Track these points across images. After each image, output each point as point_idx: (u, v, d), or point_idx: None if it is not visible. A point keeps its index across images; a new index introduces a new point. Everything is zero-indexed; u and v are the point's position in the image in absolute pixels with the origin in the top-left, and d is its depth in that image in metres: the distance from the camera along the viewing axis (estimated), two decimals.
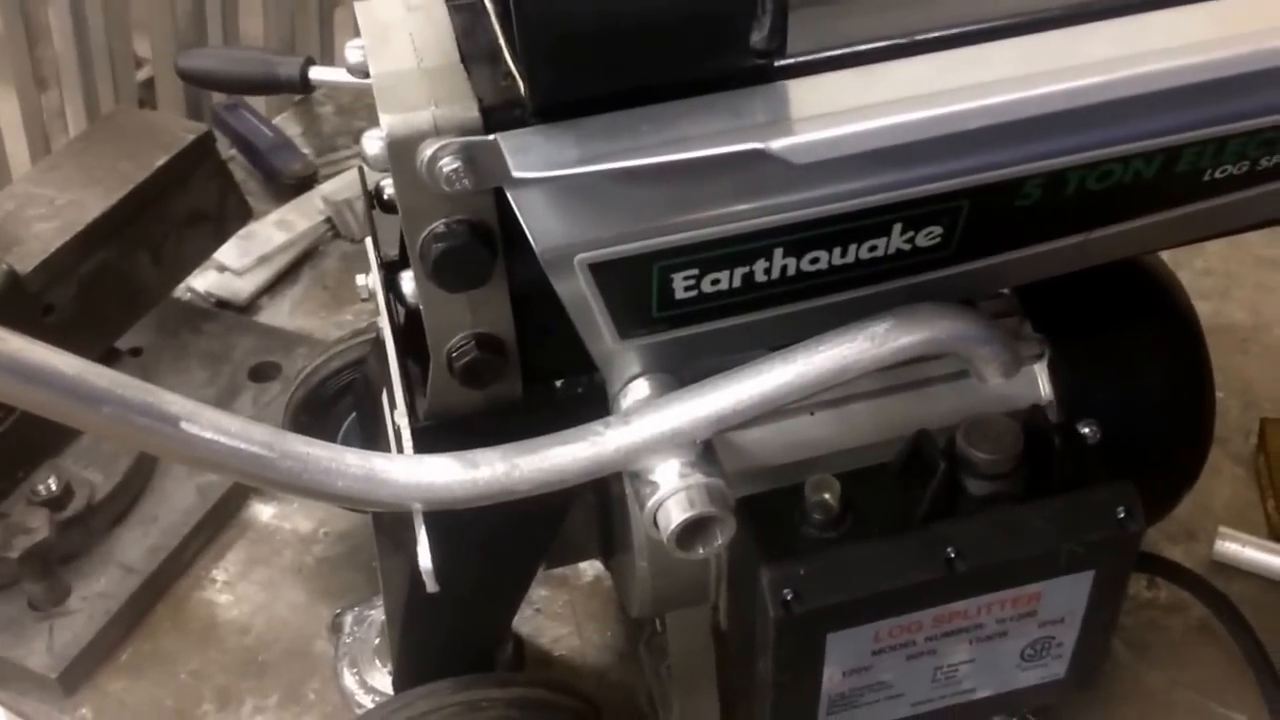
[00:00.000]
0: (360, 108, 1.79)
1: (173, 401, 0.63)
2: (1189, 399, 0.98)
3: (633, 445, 0.74)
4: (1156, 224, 0.80)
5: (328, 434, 1.13)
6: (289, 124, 1.78)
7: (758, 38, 0.66)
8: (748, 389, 0.74)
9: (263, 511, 1.29)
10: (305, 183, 1.69)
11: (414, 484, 0.71)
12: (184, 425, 0.63)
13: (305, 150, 1.73)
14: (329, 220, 1.64)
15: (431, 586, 0.75)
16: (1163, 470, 0.98)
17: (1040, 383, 0.91)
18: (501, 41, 0.70)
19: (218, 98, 1.83)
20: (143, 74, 1.83)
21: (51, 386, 0.60)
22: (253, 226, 1.53)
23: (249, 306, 1.54)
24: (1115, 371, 0.94)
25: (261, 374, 1.39)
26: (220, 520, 1.26)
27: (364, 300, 0.89)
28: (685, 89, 0.67)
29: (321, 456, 0.69)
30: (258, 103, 1.83)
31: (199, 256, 1.39)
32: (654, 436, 0.74)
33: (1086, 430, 0.87)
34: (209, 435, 0.64)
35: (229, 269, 1.55)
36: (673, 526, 0.73)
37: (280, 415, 1.19)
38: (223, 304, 1.53)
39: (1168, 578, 1.06)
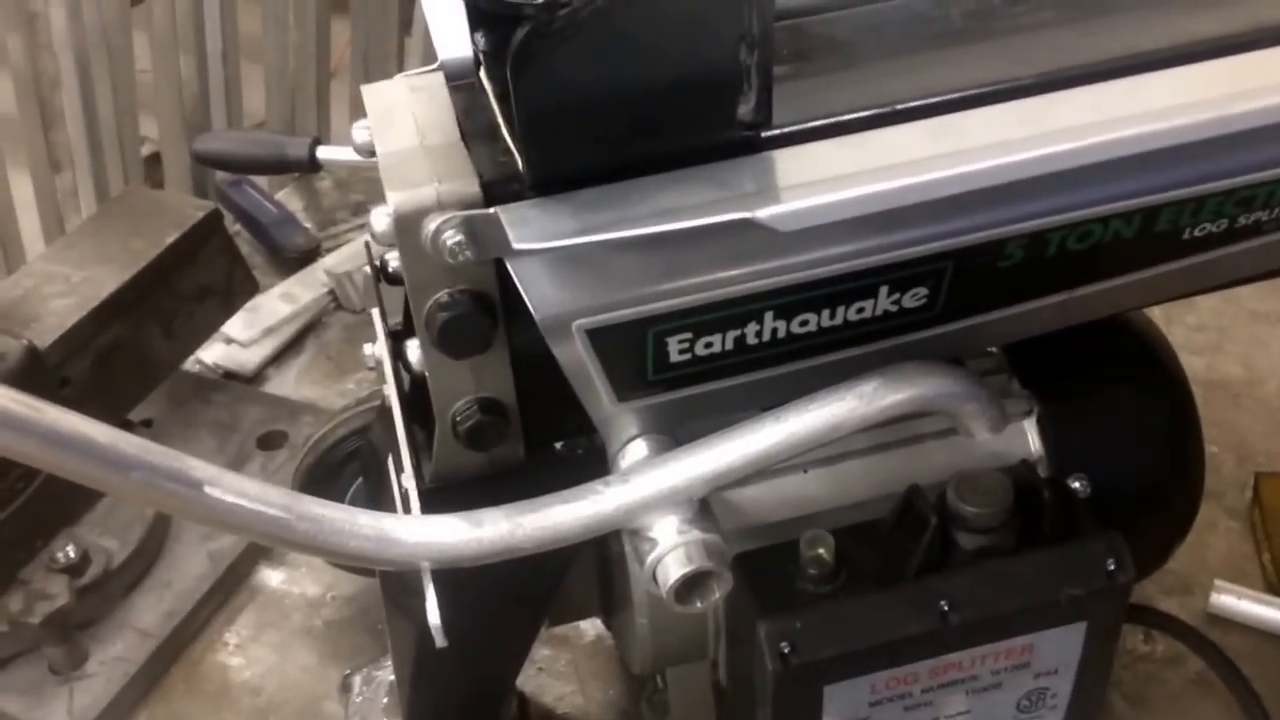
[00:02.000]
0: (357, 182, 1.83)
1: (197, 467, 0.66)
2: (1177, 453, 1.00)
3: (632, 503, 0.76)
4: (1138, 282, 0.82)
5: (336, 498, 1.15)
6: (290, 199, 1.82)
7: (744, 110, 0.69)
8: (742, 447, 0.77)
9: (272, 576, 1.31)
10: (308, 256, 1.72)
11: (422, 543, 0.74)
12: (208, 489, 0.65)
13: (307, 225, 1.77)
14: (331, 292, 1.67)
15: (440, 642, 0.77)
16: (1154, 524, 1.00)
17: (1030, 438, 0.93)
18: (500, 120, 0.73)
19: (221, 175, 1.87)
20: (145, 149, 1.88)
21: (86, 454, 0.62)
22: (258, 299, 1.57)
23: (255, 377, 1.57)
24: (1103, 427, 0.96)
25: (269, 442, 1.42)
26: (231, 585, 1.28)
27: (370, 369, 0.92)
28: (676, 160, 0.70)
29: (336, 518, 0.71)
30: (260, 179, 1.87)
31: (208, 329, 1.42)
32: (652, 495, 0.76)
33: (1076, 485, 0.89)
34: (231, 499, 0.67)
35: (235, 341, 1.58)
36: (671, 581, 0.75)
37: (288, 481, 1.21)
38: (230, 375, 1.56)
39: (1163, 630, 1.08)
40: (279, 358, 1.60)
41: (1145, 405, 0.99)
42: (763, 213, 0.65)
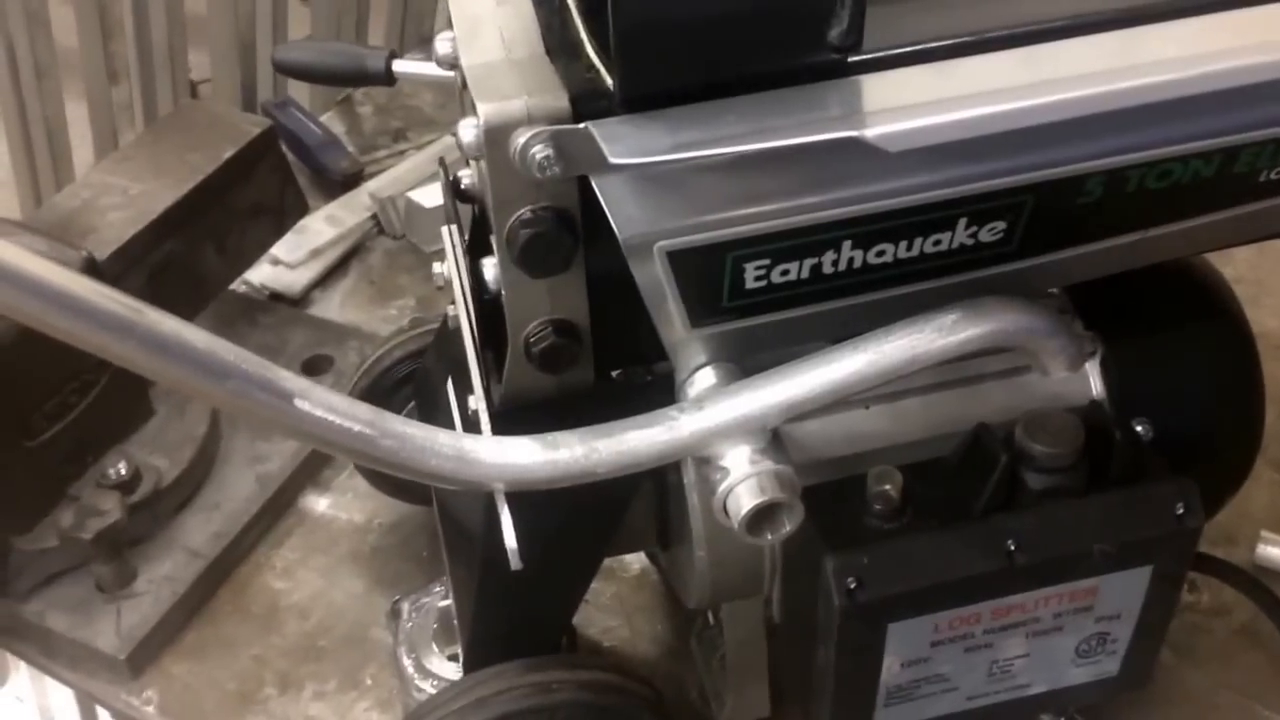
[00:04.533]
0: (396, 108, 1.82)
1: (287, 378, 0.65)
2: (1238, 399, 0.99)
3: (706, 430, 0.76)
4: (1212, 223, 0.82)
5: None
6: (333, 122, 1.81)
7: (835, 33, 0.68)
8: (819, 377, 0.76)
9: (318, 502, 1.31)
10: (351, 180, 1.72)
11: (500, 464, 0.73)
12: (297, 402, 0.65)
13: (350, 148, 1.76)
14: (374, 217, 1.67)
15: (516, 565, 0.77)
16: (1210, 470, 1.00)
17: (1092, 381, 0.93)
18: (584, 35, 0.72)
19: (266, 96, 1.86)
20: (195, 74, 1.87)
21: (183, 358, 0.62)
22: (304, 221, 1.56)
23: (301, 299, 1.56)
24: (1165, 371, 0.95)
25: (314, 367, 1.41)
26: (278, 509, 1.28)
27: (439, 288, 0.91)
28: (764, 82, 0.69)
29: (418, 436, 0.70)
30: (303, 101, 1.86)
31: (259, 248, 1.41)
32: (726, 422, 0.76)
33: (1140, 428, 0.88)
34: (319, 412, 0.66)
35: (283, 262, 1.57)
36: (744, 512, 0.75)
37: None
38: (276, 296, 1.55)
39: (1221, 578, 1.07)
40: (324, 280, 1.59)
41: (1208, 351, 0.98)
42: (871, 131, 0.64)
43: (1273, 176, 0.79)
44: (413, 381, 1.15)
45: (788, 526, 0.77)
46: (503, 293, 0.77)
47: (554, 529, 0.83)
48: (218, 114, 1.43)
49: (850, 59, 0.70)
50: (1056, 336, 0.79)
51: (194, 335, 0.62)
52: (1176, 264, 0.91)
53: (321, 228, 1.63)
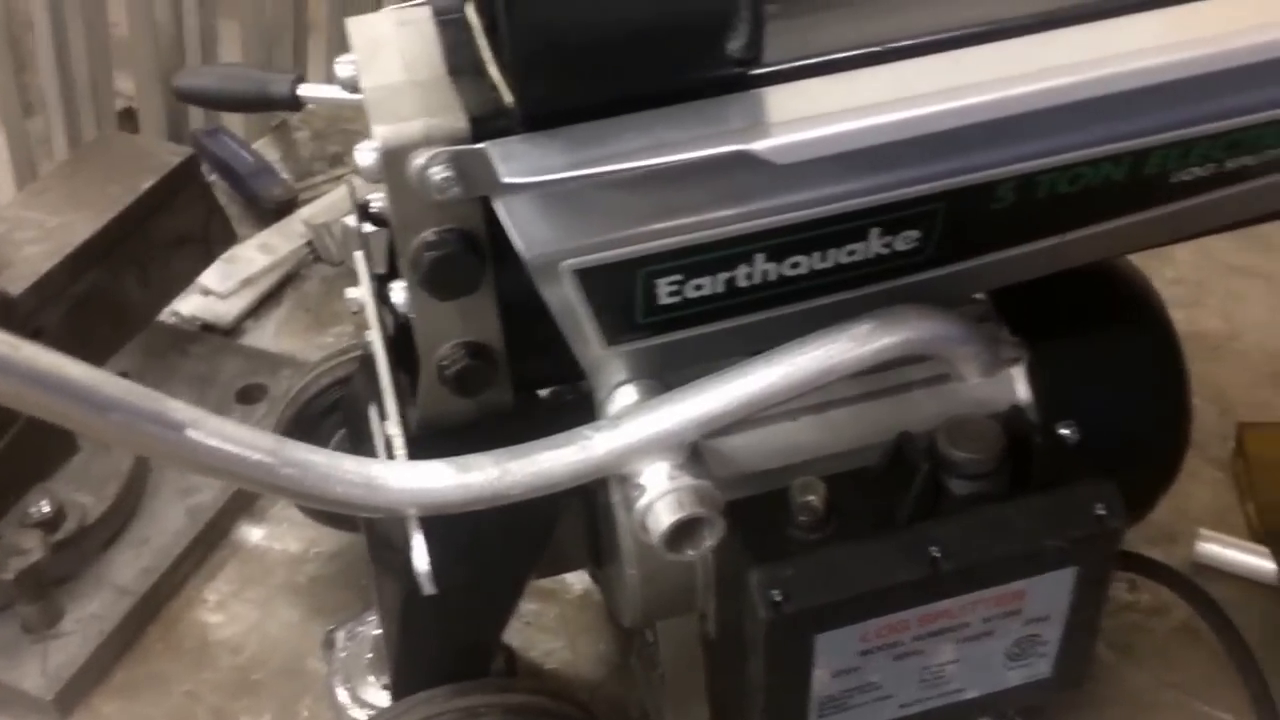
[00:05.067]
0: (334, 133, 1.81)
1: (178, 409, 0.64)
2: (1164, 398, 1.00)
3: (621, 448, 0.75)
4: (1128, 226, 0.82)
5: None
6: (267, 149, 1.80)
7: (735, 46, 0.68)
8: (733, 391, 0.76)
9: (253, 533, 1.30)
10: (286, 206, 1.70)
11: (409, 489, 0.72)
12: (189, 432, 0.64)
13: (284, 175, 1.75)
14: (309, 244, 1.65)
15: (428, 589, 0.76)
16: (1141, 471, 1.00)
17: (1018, 386, 0.93)
18: (487, 54, 0.72)
19: (197, 124, 1.84)
20: (119, 104, 1.85)
21: (63, 392, 0.61)
22: (235, 250, 1.54)
23: (234, 329, 1.55)
24: (1091, 373, 0.96)
25: (248, 396, 1.40)
26: (211, 541, 1.27)
27: (354, 313, 0.90)
28: (665, 97, 0.69)
29: (321, 463, 0.70)
30: (237, 128, 1.84)
31: (185, 279, 1.40)
32: (642, 439, 0.75)
33: (1066, 431, 0.88)
34: (213, 442, 0.65)
35: (213, 292, 1.56)
36: (663, 529, 0.74)
37: None
38: (208, 327, 1.54)
39: (1153, 578, 1.07)
40: (257, 310, 1.58)
41: (1133, 353, 0.98)
42: (758, 145, 0.64)
43: (1184, 178, 0.80)
44: (341, 408, 1.13)
45: (709, 541, 0.76)
46: (412, 317, 0.76)
47: (476, 551, 0.82)
48: (138, 144, 1.42)
49: (752, 72, 0.70)
50: (969, 343, 0.79)
51: (74, 369, 0.60)
52: (1100, 266, 0.92)
53: (254, 256, 1.61)
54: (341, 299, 0.93)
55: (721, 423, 0.76)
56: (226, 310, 1.55)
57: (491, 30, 0.71)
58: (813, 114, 0.68)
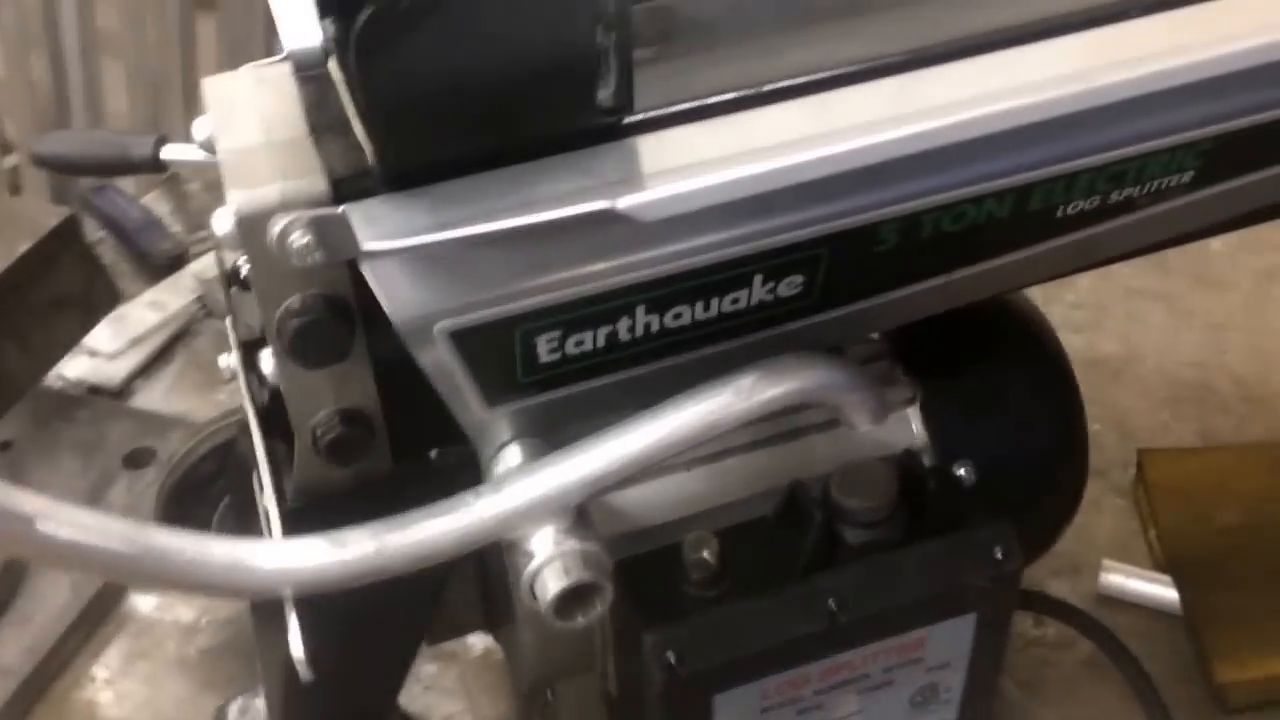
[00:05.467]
0: None
1: (26, 500, 0.60)
2: (1062, 434, 0.99)
3: (505, 514, 0.72)
4: (1016, 262, 0.81)
5: (202, 520, 1.11)
6: (157, 203, 1.76)
7: (604, 95, 0.66)
8: (618, 450, 0.73)
9: (142, 603, 1.25)
10: (176, 262, 1.67)
11: (281, 570, 0.69)
12: (39, 525, 0.60)
13: (175, 229, 1.71)
14: (201, 299, 1.61)
15: (305, 675, 0.73)
16: (1041, 507, 0.99)
17: (913, 426, 0.92)
18: (350, 110, 0.69)
19: (85, 180, 1.79)
20: (10, 160, 1.80)
21: None
22: (124, 309, 1.51)
23: (122, 391, 1.51)
24: (986, 411, 0.95)
25: (136, 460, 1.36)
26: (98, 615, 1.22)
27: (228, 380, 0.87)
28: (534, 150, 0.67)
29: (186, 548, 0.66)
30: (126, 183, 1.80)
31: (66, 343, 1.36)
32: (526, 504, 0.73)
33: (962, 472, 0.87)
34: (66, 534, 0.61)
35: (100, 353, 1.52)
36: (550, 596, 0.72)
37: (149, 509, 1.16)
38: (95, 390, 1.49)
39: (1053, 615, 1.07)
40: (147, 369, 1.54)
41: (1028, 388, 0.98)
42: (623, 202, 0.62)
43: (1070, 212, 0.79)
44: (225, 474, 1.10)
45: (599, 608, 0.74)
46: (282, 386, 0.73)
47: (355, 630, 0.79)
48: (13, 206, 1.39)
49: (624, 120, 0.68)
50: (856, 391, 0.77)
51: None
52: (992, 302, 0.91)
53: (142, 314, 1.57)
54: (219, 358, 0.90)
55: (608, 483, 0.74)
56: (114, 371, 1.51)
57: (351, 85, 0.68)
58: (686, 163, 0.66)
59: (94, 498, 1.31)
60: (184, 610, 1.24)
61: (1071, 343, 1.00)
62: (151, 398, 1.50)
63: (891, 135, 0.68)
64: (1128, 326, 1.52)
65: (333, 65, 0.72)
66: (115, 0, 1.77)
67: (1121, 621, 1.13)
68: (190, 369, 1.54)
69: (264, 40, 1.90)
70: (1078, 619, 1.04)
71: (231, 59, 1.88)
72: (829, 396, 0.77)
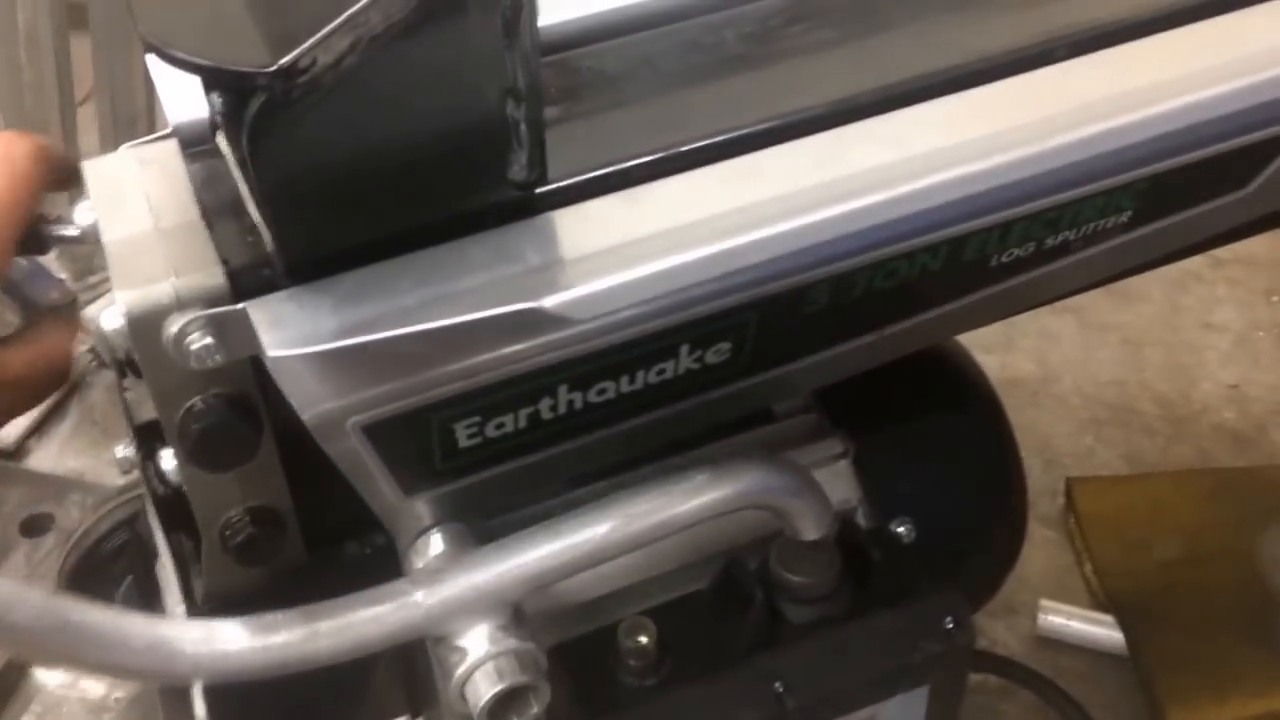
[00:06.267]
0: None
1: None
2: (999, 479, 0.97)
3: (443, 608, 0.68)
4: (950, 312, 0.78)
5: (105, 599, 1.05)
6: None
7: (517, 169, 0.62)
8: (564, 546, 0.69)
9: (49, 679, 1.19)
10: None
11: (206, 653, 0.62)
12: None
13: (62, 275, 1.63)
14: (92, 349, 1.54)
15: None
16: (982, 557, 0.97)
17: (847, 482, 0.89)
18: (244, 190, 0.64)
19: None
20: None
21: None
22: None
23: (16, 451, 1.43)
24: (921, 461, 0.93)
25: (34, 527, 1.29)
26: (1, 696, 1.15)
27: (125, 473, 0.81)
28: (446, 231, 0.63)
29: (101, 624, 0.58)
30: None
31: None
32: (464, 599, 0.68)
33: (901, 529, 0.85)
34: None
35: None
36: (483, 701, 0.68)
37: (52, 578, 1.10)
38: None
39: (995, 673, 1.05)
40: (40, 427, 1.47)
41: (963, 436, 0.96)
42: (551, 301, 0.58)
43: (1004, 260, 0.76)
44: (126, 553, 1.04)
45: (535, 708, 0.70)
46: (185, 488, 0.68)
47: (271, 714, 0.74)
48: None
49: (538, 190, 0.64)
50: (803, 496, 0.74)
51: None
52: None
53: None
54: (114, 449, 0.84)
55: (550, 580, 0.70)
56: (6, 431, 1.44)
57: (244, 164, 0.63)
58: (606, 247, 0.62)
59: None
60: (91, 685, 1.18)
61: (986, 363, 0.97)
62: (45, 457, 1.44)
63: (827, 214, 0.65)
64: (1041, 344, 1.50)
65: (221, 140, 0.67)
66: None
67: (1065, 663, 1.11)
68: (84, 425, 1.48)
69: (143, 61, 1.82)
70: (1017, 673, 1.02)
71: (111, 87, 1.79)
72: (781, 502, 0.74)
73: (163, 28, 0.55)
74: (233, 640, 0.65)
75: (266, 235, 0.62)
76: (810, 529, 0.75)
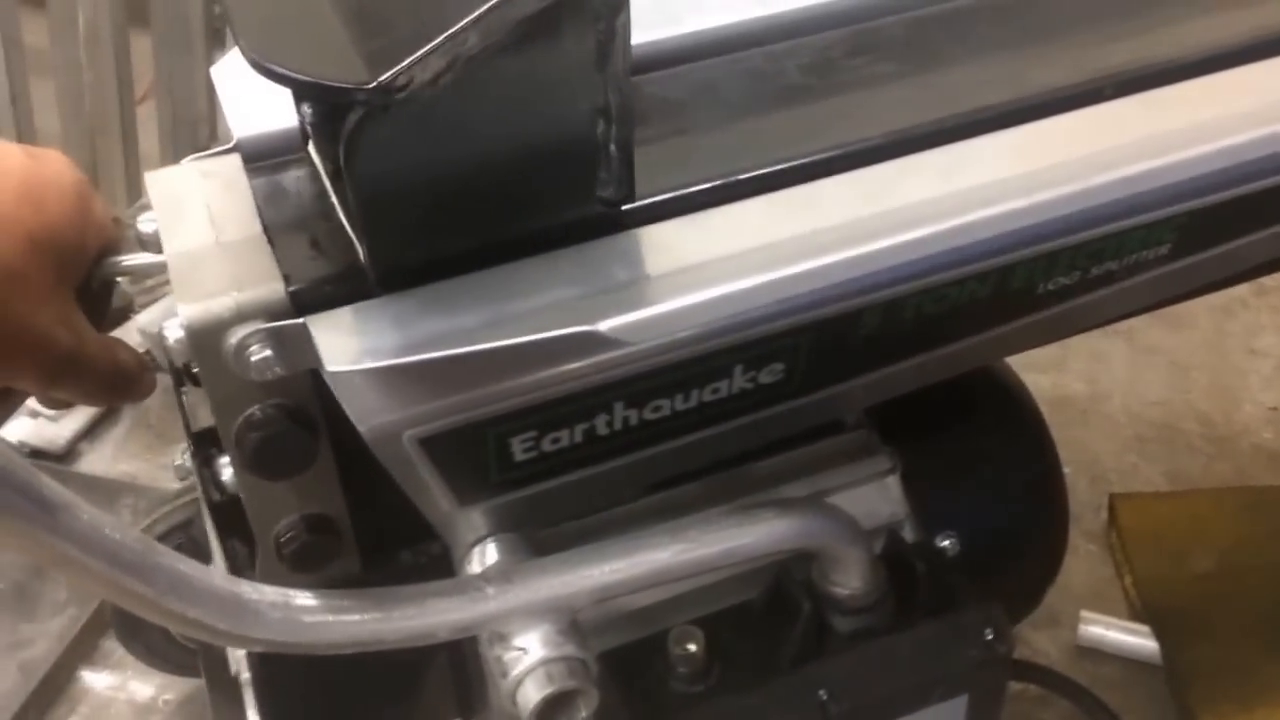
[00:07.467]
0: None
1: (55, 490, 0.54)
2: (1042, 494, 0.98)
3: (513, 606, 0.69)
4: (996, 338, 0.79)
5: None
6: None
7: (605, 187, 0.64)
8: (629, 564, 0.71)
9: (96, 680, 1.21)
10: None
11: (280, 619, 0.63)
12: (61, 517, 0.54)
13: (118, 280, 1.65)
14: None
15: None
16: (1025, 570, 0.98)
17: (895, 496, 0.89)
18: (335, 203, 0.66)
19: None
20: None
21: None
22: None
23: (68, 454, 1.45)
24: (967, 478, 0.93)
25: None
26: (48, 697, 1.18)
27: (181, 480, 0.83)
28: (530, 244, 0.64)
29: (191, 575, 0.59)
30: None
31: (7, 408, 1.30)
32: (533, 599, 0.69)
33: (946, 543, 0.85)
34: (84, 532, 0.55)
35: (43, 414, 1.46)
36: (533, 704, 0.69)
37: None
38: (38, 453, 1.44)
39: (1034, 682, 1.05)
40: (92, 430, 1.49)
41: (1006, 452, 0.96)
42: (606, 325, 0.59)
43: (1050, 288, 0.77)
44: None
45: (583, 713, 0.71)
46: (242, 496, 0.69)
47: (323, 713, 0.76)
48: None
49: (624, 207, 0.66)
50: (858, 546, 0.76)
51: None
52: None
53: None
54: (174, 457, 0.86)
55: (613, 593, 0.71)
56: (58, 433, 1.46)
57: (336, 174, 0.64)
58: (666, 271, 0.63)
59: (40, 572, 1.26)
60: (140, 686, 1.20)
61: (1038, 383, 0.99)
62: (98, 461, 1.46)
63: (881, 245, 0.66)
64: (1092, 365, 1.51)
65: (311, 150, 0.69)
66: (44, 16, 1.72)
67: (1104, 673, 1.12)
68: (138, 429, 1.49)
69: (204, 54, 1.83)
70: (1057, 682, 1.03)
71: (171, 84, 1.82)
72: (836, 550, 0.76)
73: (263, 44, 0.56)
74: (308, 610, 0.65)
75: (358, 246, 0.63)
76: (855, 579, 0.77)
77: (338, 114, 0.57)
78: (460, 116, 0.58)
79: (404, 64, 0.54)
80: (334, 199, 0.66)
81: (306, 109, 0.65)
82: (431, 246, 0.62)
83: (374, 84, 0.54)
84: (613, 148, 0.62)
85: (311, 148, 0.68)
